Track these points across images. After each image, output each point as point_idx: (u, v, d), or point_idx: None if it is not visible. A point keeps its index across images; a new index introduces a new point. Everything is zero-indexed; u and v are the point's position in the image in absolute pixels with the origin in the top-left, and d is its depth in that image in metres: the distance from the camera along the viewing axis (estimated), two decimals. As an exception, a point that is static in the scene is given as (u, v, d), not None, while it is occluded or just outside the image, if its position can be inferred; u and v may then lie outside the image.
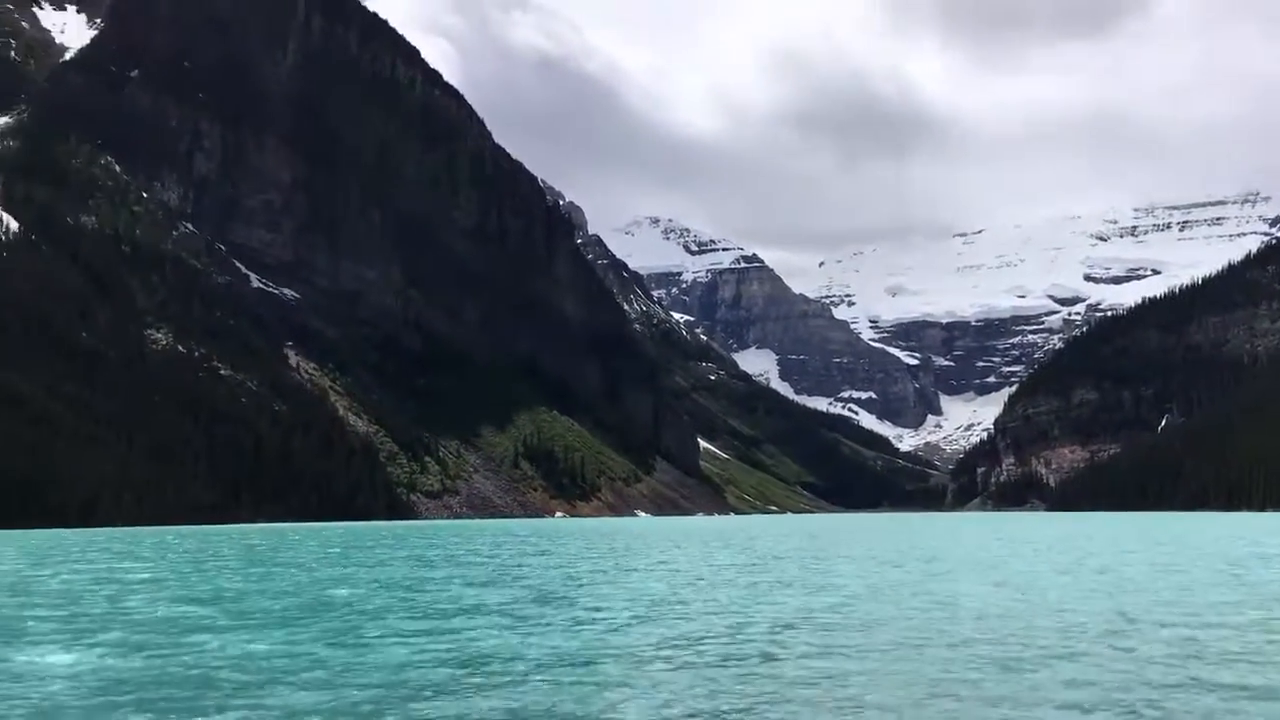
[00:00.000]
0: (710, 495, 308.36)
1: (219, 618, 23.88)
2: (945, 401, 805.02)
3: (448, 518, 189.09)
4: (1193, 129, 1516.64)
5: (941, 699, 14.22)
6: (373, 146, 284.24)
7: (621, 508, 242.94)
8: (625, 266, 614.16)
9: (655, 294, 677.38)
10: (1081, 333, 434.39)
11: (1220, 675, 15.77)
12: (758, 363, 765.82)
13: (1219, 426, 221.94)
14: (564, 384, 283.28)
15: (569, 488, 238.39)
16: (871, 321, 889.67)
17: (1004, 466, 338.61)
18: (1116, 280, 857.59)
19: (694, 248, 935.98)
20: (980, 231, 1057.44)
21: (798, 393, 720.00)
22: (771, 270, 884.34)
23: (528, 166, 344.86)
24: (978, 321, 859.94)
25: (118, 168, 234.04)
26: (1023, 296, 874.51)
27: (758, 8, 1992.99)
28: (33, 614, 24.82)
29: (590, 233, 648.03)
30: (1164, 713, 13.39)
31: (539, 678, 15.84)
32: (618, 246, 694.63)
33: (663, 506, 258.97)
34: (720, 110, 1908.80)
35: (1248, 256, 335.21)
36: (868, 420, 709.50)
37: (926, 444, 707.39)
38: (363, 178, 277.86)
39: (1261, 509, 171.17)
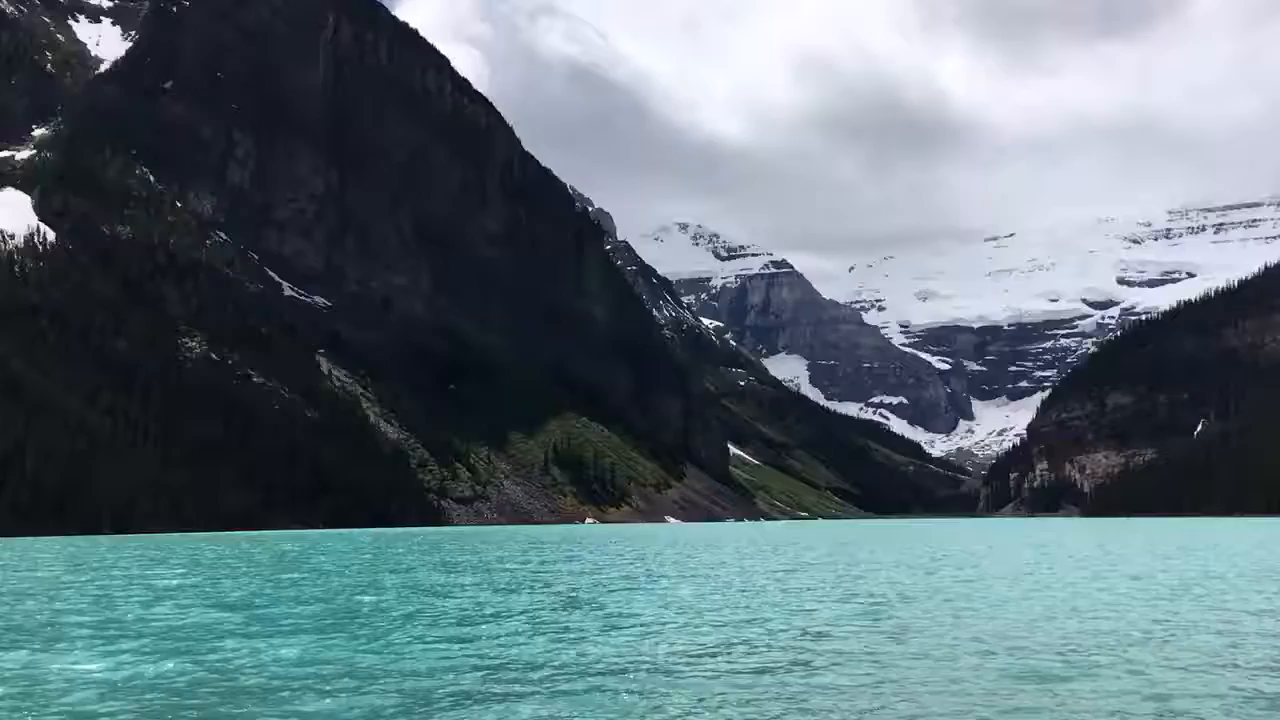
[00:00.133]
0: (741, 501, 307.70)
1: (250, 624, 24.00)
2: (977, 406, 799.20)
3: (479, 524, 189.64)
4: (1227, 130, 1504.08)
5: (978, 708, 14.02)
6: (403, 154, 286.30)
7: (652, 514, 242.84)
8: (654, 272, 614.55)
9: (684, 300, 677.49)
10: (1115, 336, 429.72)
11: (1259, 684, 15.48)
12: (788, 368, 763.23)
13: (1256, 431, 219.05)
14: (594, 390, 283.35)
15: (599, 494, 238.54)
16: (902, 326, 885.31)
17: (1037, 472, 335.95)
18: (1151, 283, 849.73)
19: (723, 253, 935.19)
20: (1011, 235, 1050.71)
21: (828, 398, 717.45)
22: (801, 275, 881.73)
23: (556, 173, 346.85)
24: (1010, 326, 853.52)
25: (152, 178, 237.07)
26: (1055, 300, 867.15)
27: (784, 12, 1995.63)
28: (68, 620, 25.05)
29: (619, 239, 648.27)
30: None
31: (568, 685, 15.75)
32: (647, 252, 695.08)
33: (693, 513, 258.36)
34: (748, 115, 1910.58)
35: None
36: (899, 425, 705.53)
37: (959, 449, 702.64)
38: (393, 186, 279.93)
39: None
